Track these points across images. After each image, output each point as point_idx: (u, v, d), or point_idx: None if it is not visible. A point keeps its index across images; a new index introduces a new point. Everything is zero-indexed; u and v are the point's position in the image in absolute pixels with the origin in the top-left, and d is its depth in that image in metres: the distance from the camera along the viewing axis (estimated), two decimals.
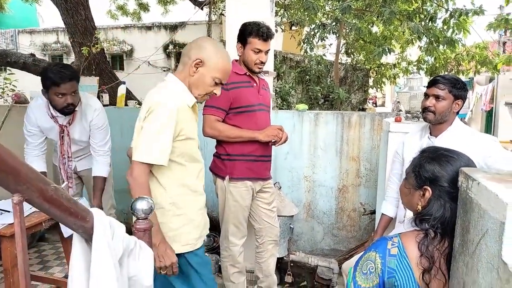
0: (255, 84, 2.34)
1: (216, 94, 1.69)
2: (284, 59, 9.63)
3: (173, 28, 9.98)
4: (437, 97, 2.03)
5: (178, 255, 1.63)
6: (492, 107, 10.99)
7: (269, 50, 2.29)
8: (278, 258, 3.25)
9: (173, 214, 1.65)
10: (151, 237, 1.19)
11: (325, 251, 3.82)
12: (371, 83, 9.99)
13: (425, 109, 2.11)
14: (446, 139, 2.04)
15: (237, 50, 2.33)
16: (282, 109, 6.99)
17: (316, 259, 3.22)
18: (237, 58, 2.37)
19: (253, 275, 2.70)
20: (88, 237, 0.87)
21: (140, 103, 5.99)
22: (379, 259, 1.15)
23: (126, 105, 4.31)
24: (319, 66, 8.30)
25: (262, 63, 2.26)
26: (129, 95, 7.52)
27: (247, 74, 2.30)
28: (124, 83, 4.51)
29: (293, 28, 9.40)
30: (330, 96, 7.62)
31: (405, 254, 1.14)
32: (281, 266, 3.26)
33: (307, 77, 8.50)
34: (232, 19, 2.57)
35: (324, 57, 8.40)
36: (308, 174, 3.77)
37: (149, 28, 10.21)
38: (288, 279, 3.19)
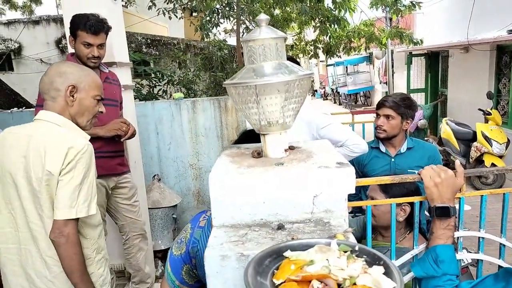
0: None
1: (102, 113, 1.60)
2: (188, 47, 9.48)
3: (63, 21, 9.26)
4: None
5: None
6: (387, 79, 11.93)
7: (103, 43, 2.20)
8: (163, 250, 3.25)
9: (98, 260, 1.57)
10: None
11: None
12: None
13: None
14: None
15: (69, 43, 2.22)
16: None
17: None
18: (73, 52, 2.26)
19: (126, 271, 2.67)
20: None
21: (28, 106, 5.49)
22: (189, 230, 1.21)
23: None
24: (222, 51, 8.29)
25: (95, 57, 2.17)
26: (16, 98, 6.87)
27: None
28: None
29: (194, 14, 9.27)
30: None
31: (210, 226, 1.17)
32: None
33: (212, 63, 8.46)
34: (68, 9, 2.42)
35: (225, 42, 8.40)
36: (194, 162, 3.78)
37: (36, 22, 9.34)
38: None
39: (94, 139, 2.15)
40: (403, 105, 2.11)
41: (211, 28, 7.14)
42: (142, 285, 2.60)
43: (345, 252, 0.71)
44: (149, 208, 3.10)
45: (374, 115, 2.27)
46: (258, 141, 1.29)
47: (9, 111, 3.74)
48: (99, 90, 1.55)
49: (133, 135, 2.30)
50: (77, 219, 1.41)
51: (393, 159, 2.19)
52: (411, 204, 1.56)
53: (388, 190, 1.54)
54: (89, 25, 2.11)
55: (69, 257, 1.41)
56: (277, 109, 0.95)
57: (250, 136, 1.33)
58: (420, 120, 7.56)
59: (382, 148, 2.22)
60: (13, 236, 1.49)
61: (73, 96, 1.47)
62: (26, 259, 1.49)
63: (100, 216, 1.60)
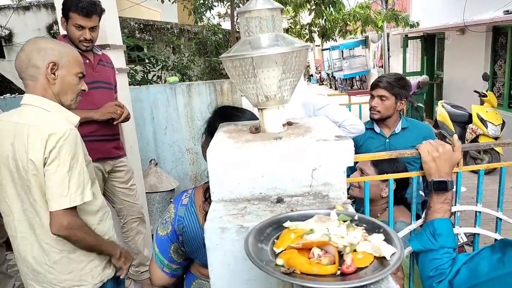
0: (87, 61, 2.21)
1: (85, 91, 1.53)
2: (182, 31, 9.36)
3: (54, 6, 9.06)
4: None
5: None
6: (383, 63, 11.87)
7: (95, 26, 2.16)
8: None
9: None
10: None
11: None
12: None
13: None
14: None
15: (61, 24, 2.18)
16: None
17: None
18: (65, 33, 2.22)
19: None
20: None
21: (21, 93, 5.44)
22: (173, 209, 1.22)
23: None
24: (216, 36, 8.20)
25: (87, 40, 2.13)
26: (8, 85, 6.78)
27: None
28: None
29: None
30: None
31: (193, 203, 1.22)
32: None
33: (206, 48, 8.37)
34: None
35: (219, 26, 8.30)
36: (190, 146, 3.77)
37: (26, 8, 9.14)
38: None
39: (89, 123, 2.14)
40: (397, 86, 2.10)
41: (204, 12, 7.05)
42: (142, 268, 2.61)
43: (345, 221, 0.71)
44: (146, 193, 3.11)
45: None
46: (232, 118, 1.26)
47: (2, 97, 3.70)
48: (81, 67, 1.48)
49: (127, 118, 2.28)
50: (73, 207, 1.38)
51: (387, 140, 2.20)
52: (397, 183, 1.58)
53: (378, 164, 1.55)
54: (81, 7, 2.06)
55: (80, 240, 1.43)
56: (275, 83, 0.93)
57: (220, 111, 1.32)
58: (421, 76, 7.75)
59: (377, 129, 2.22)
60: (11, 225, 1.49)
61: (54, 73, 1.39)
62: (24, 246, 1.48)
63: (100, 201, 1.57)
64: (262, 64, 0.91)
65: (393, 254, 0.60)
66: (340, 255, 0.62)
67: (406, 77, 2.41)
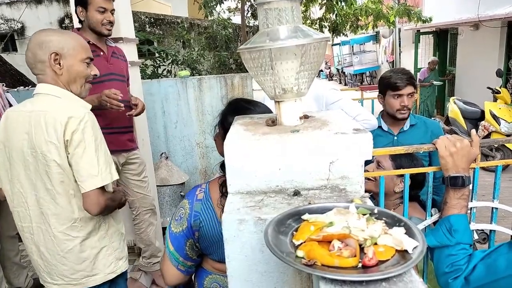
0: (102, 53, 2.22)
1: (96, 75, 1.54)
2: (192, 26, 9.35)
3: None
4: None
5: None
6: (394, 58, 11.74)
7: (114, 10, 2.18)
8: None
9: (111, 233, 1.63)
10: None
11: None
12: None
13: None
14: None
15: (78, 15, 2.18)
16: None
17: None
18: (79, 26, 2.24)
19: (136, 247, 2.71)
20: None
21: (33, 85, 5.50)
22: (188, 205, 1.20)
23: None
24: (226, 30, 8.18)
25: (110, 23, 2.16)
26: (21, 78, 6.86)
27: (91, 42, 2.17)
28: None
29: None
30: (238, 61, 7.62)
31: (209, 197, 1.20)
32: None
33: (216, 43, 8.36)
34: None
35: (229, 20, 8.27)
36: (200, 140, 3.78)
37: (39, 1, 9.21)
38: None
39: (105, 115, 2.16)
40: (414, 79, 2.08)
41: (214, 6, 7.03)
42: (153, 259, 2.64)
43: (364, 214, 0.70)
44: (157, 186, 3.13)
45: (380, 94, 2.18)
46: (246, 111, 1.25)
47: (15, 89, 3.74)
48: (87, 52, 1.48)
49: (142, 110, 2.29)
50: (102, 187, 1.43)
51: (395, 137, 2.15)
52: (412, 180, 1.56)
53: (396, 159, 1.53)
54: None
55: (110, 209, 1.54)
56: (292, 75, 0.93)
57: (234, 104, 1.31)
58: (430, 58, 8.03)
59: (384, 126, 2.17)
60: (24, 215, 1.50)
61: (59, 63, 1.41)
62: (38, 236, 1.50)
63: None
64: (280, 56, 0.90)
65: (415, 247, 0.60)
66: (361, 248, 0.62)
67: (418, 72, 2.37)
